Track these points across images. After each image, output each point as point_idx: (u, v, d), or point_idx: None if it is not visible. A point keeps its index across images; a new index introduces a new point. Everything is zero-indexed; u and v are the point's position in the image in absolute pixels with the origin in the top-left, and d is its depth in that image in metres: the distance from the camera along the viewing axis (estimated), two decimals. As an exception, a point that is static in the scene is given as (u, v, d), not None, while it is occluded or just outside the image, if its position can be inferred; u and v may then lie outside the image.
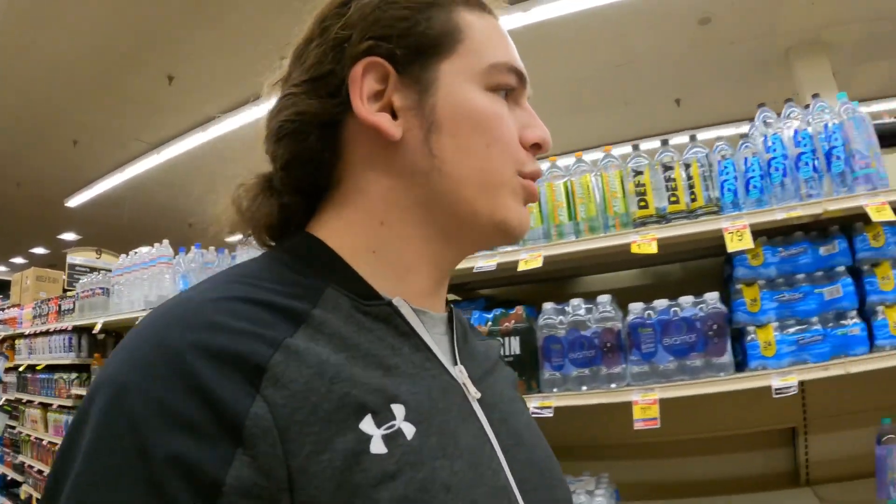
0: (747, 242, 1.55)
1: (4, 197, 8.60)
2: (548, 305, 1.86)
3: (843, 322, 1.60)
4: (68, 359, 4.13)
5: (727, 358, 1.63)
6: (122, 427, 0.39)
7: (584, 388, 1.74)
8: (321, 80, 0.55)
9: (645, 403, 1.63)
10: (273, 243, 0.60)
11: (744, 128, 7.02)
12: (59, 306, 4.42)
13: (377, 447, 0.43)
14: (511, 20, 5.35)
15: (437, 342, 0.55)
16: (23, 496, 4.62)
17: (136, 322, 0.49)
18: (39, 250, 12.61)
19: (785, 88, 6.54)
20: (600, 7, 5.05)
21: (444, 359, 0.55)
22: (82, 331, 4.07)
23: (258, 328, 0.43)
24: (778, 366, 1.59)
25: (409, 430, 0.46)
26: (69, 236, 10.98)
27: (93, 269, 6.94)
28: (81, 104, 6.15)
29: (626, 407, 1.64)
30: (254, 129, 0.61)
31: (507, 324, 1.93)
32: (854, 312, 1.59)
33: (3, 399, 5.10)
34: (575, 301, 1.84)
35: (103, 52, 5.40)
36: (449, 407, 0.51)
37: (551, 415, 1.72)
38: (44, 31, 5.01)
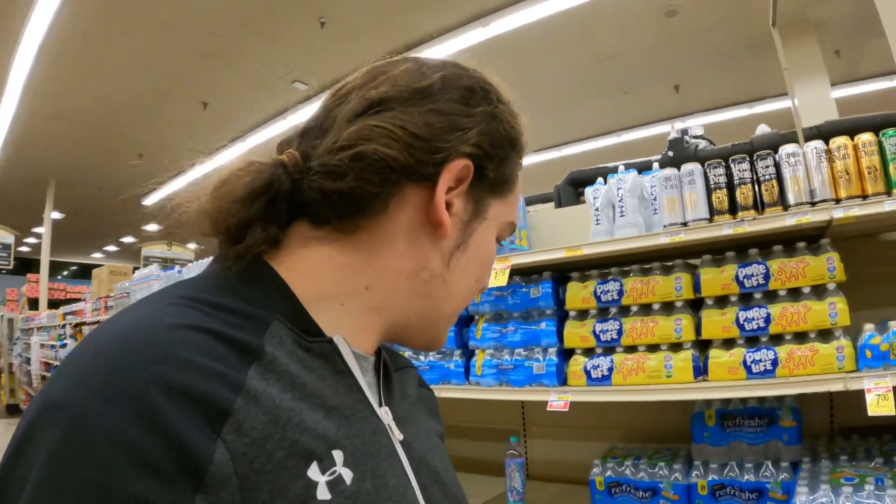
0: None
1: (90, 199, 10.58)
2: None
3: (447, 358, 2.07)
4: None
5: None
6: (83, 461, 0.37)
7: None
8: (426, 143, 0.55)
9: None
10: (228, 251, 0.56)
11: (744, 111, 6.75)
12: (106, 303, 5.77)
13: (322, 493, 0.44)
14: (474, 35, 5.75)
15: (368, 384, 0.57)
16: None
17: (88, 334, 0.47)
18: (128, 239, 14.88)
19: (778, 69, 6.26)
20: (566, 10, 5.30)
21: (373, 400, 0.56)
22: (118, 320, 5.35)
23: (220, 366, 0.43)
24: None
25: (347, 476, 0.47)
26: (152, 227, 12.78)
27: (164, 259, 8.39)
28: (139, 126, 7.53)
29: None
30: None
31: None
32: (458, 352, 2.05)
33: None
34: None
35: (147, 87, 6.63)
36: (378, 450, 0.53)
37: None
38: (100, 70, 6.25)
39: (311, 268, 0.55)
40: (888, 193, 1.48)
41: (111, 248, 16.83)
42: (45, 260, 9.46)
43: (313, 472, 0.45)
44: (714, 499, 1.67)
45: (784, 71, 3.47)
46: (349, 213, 0.55)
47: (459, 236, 0.59)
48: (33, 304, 9.79)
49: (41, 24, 5.04)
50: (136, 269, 6.31)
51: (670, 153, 2.31)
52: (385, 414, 0.57)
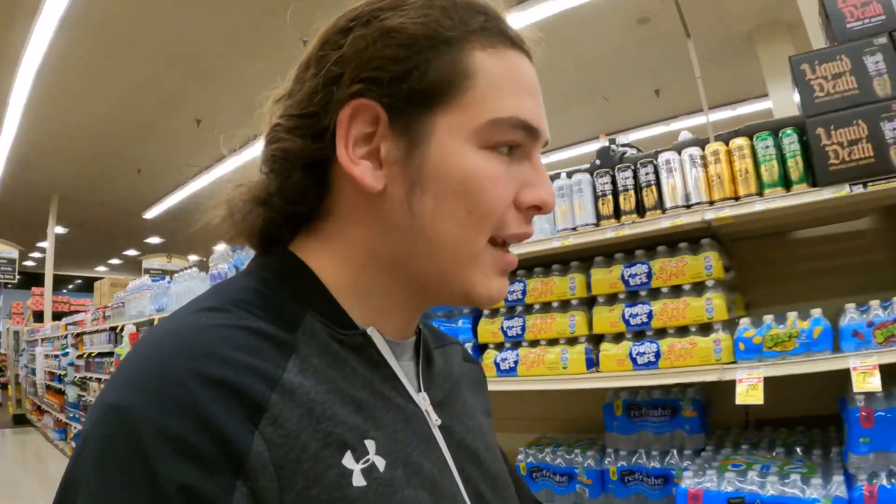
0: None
1: (94, 213, 10.91)
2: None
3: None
4: (109, 348, 5.73)
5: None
6: (131, 455, 0.39)
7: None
8: (307, 120, 0.53)
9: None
10: (259, 250, 0.59)
11: (721, 114, 6.81)
12: (104, 313, 6.00)
13: (358, 481, 0.46)
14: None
15: (406, 370, 0.57)
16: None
17: (137, 341, 0.45)
18: (131, 252, 15.23)
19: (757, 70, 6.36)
20: (548, 18, 5.43)
21: (410, 387, 0.56)
22: (115, 329, 5.54)
23: (257, 361, 0.45)
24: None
25: (380, 463, 0.48)
26: (154, 240, 13.24)
27: (165, 271, 8.61)
28: (136, 142, 7.80)
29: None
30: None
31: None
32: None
33: (77, 377, 6.89)
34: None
35: (143, 105, 6.89)
36: (411, 437, 0.53)
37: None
38: (99, 90, 6.52)
39: (315, 259, 0.56)
40: (759, 194, 1.56)
41: (115, 261, 17.28)
42: (49, 274, 9.72)
43: (347, 460, 0.46)
44: (623, 484, 1.76)
45: (698, 80, 3.48)
46: (302, 206, 0.56)
47: (405, 177, 0.53)
48: (38, 316, 10.06)
49: (39, 47, 5.28)
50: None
51: (598, 161, 2.42)
52: (423, 400, 0.58)
